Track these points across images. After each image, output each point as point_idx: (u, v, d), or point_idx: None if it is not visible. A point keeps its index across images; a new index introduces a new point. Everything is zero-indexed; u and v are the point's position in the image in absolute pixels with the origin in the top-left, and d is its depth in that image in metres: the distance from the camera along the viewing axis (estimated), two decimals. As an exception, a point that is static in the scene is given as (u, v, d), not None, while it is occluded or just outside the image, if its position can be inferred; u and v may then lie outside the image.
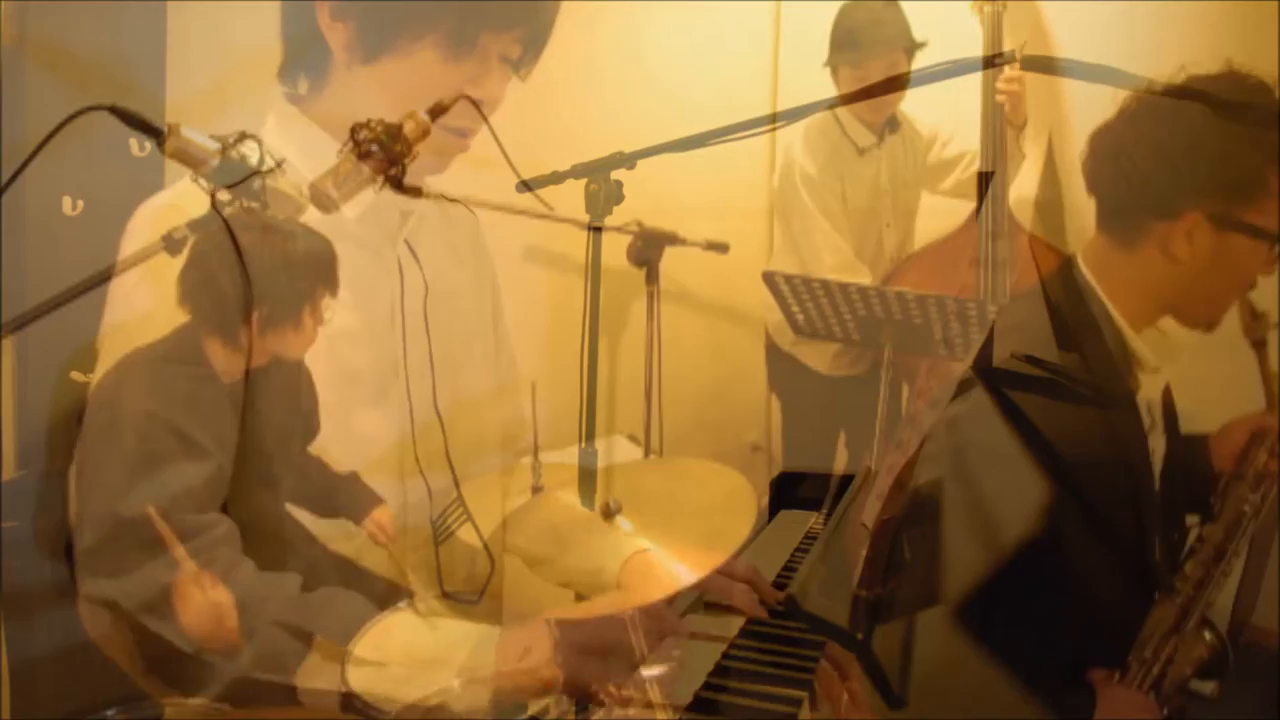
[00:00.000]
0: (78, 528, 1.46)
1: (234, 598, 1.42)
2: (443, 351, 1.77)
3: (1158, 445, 1.56)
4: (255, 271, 1.47)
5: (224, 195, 1.20)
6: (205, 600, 1.41)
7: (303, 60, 1.70)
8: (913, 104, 2.47)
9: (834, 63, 2.34)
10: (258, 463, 1.57)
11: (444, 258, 1.82)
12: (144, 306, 1.54)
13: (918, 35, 2.32)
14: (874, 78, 2.32)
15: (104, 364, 1.56)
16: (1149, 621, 1.47)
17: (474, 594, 1.58)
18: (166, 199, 1.59)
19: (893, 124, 2.46)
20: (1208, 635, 1.49)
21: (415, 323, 1.74)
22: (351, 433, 1.74)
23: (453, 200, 1.75)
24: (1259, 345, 1.54)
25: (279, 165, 1.23)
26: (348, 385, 1.72)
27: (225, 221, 1.20)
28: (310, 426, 1.70)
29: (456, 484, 1.68)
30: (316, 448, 1.73)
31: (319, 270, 1.58)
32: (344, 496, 1.75)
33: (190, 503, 1.46)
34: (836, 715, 1.28)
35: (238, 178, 1.19)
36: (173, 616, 1.41)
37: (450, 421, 1.74)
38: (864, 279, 2.40)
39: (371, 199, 1.63)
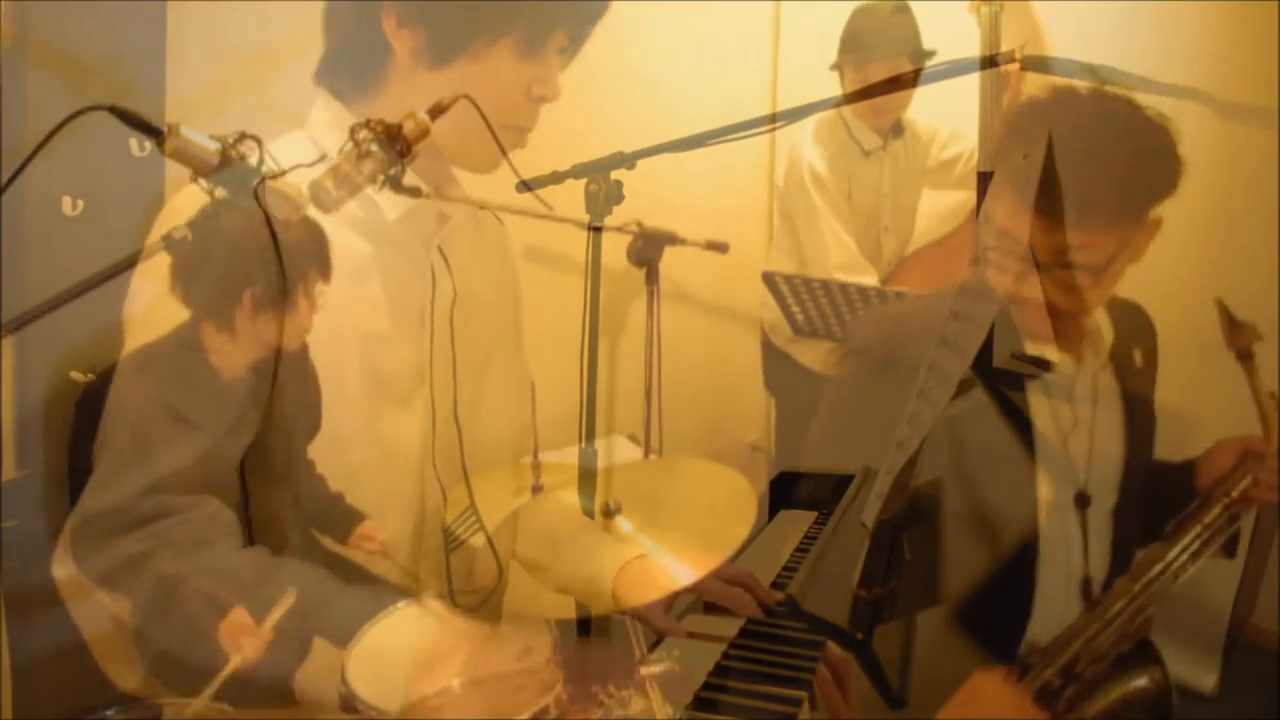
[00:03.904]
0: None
1: (173, 573, 1.41)
2: (466, 360, 1.77)
3: (1107, 445, 1.50)
4: (243, 254, 1.45)
5: (222, 195, 1.20)
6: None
7: (350, 59, 1.68)
8: (915, 104, 2.47)
9: (840, 64, 2.35)
10: (261, 458, 1.57)
11: (473, 265, 1.81)
12: (151, 300, 1.54)
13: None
14: (877, 80, 2.33)
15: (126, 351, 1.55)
16: (1065, 631, 1.41)
17: (476, 596, 1.58)
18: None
19: (897, 129, 2.47)
20: (1147, 678, 1.43)
21: (441, 329, 1.74)
22: (377, 436, 1.73)
23: (453, 201, 1.75)
24: (1244, 358, 1.45)
25: (322, 159, 1.23)
26: (377, 387, 1.72)
27: (264, 209, 1.19)
28: (314, 420, 1.69)
29: (470, 494, 1.68)
30: (326, 452, 1.72)
31: (310, 252, 1.56)
32: (331, 515, 1.74)
33: (178, 484, 1.45)
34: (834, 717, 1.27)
35: (238, 178, 1.19)
36: (119, 587, 1.42)
37: (468, 431, 1.74)
38: (869, 277, 2.41)
39: (411, 201, 1.64)
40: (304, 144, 1.62)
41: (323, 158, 1.24)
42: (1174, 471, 1.54)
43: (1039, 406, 1.46)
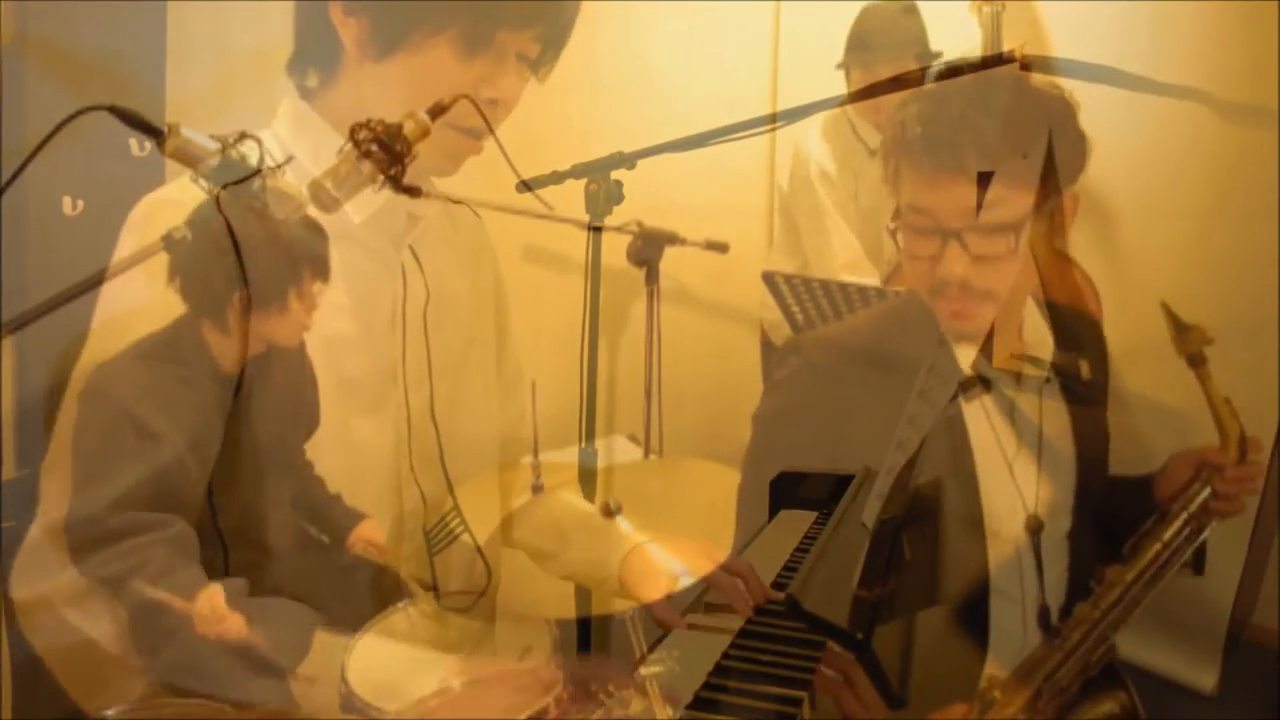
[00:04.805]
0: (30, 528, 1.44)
1: (156, 601, 1.40)
2: (441, 359, 1.76)
3: (1056, 466, 1.44)
4: (233, 254, 1.45)
5: (223, 196, 1.20)
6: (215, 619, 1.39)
7: (313, 54, 1.68)
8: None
9: (846, 63, 2.35)
10: (255, 458, 1.56)
11: (447, 263, 1.81)
12: (134, 302, 1.53)
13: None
14: (882, 80, 2.33)
15: (88, 359, 1.54)
16: (1024, 662, 1.37)
17: (469, 597, 1.58)
18: (168, 193, 1.58)
19: (902, 128, 2.46)
20: (1114, 703, 1.40)
21: (415, 329, 1.73)
22: (348, 440, 1.72)
23: (454, 201, 1.75)
24: (1195, 363, 1.38)
25: (288, 161, 1.24)
26: (345, 392, 1.71)
27: (224, 216, 1.20)
28: (312, 420, 1.69)
29: (452, 494, 1.68)
30: (313, 457, 1.71)
31: (305, 253, 1.56)
32: (330, 516, 1.74)
33: (140, 500, 1.44)
34: (843, 715, 1.26)
35: (237, 177, 1.19)
36: (93, 615, 1.41)
37: (447, 429, 1.73)
38: (873, 278, 2.40)
39: (379, 203, 1.63)
40: (269, 143, 1.62)
41: (290, 159, 1.24)
42: (1133, 486, 1.49)
43: (980, 430, 1.41)
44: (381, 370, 1.74)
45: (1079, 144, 1.36)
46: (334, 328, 1.67)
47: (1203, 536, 1.40)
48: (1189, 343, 1.38)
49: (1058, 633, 1.38)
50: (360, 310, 1.71)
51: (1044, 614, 1.42)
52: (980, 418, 1.41)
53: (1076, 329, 1.51)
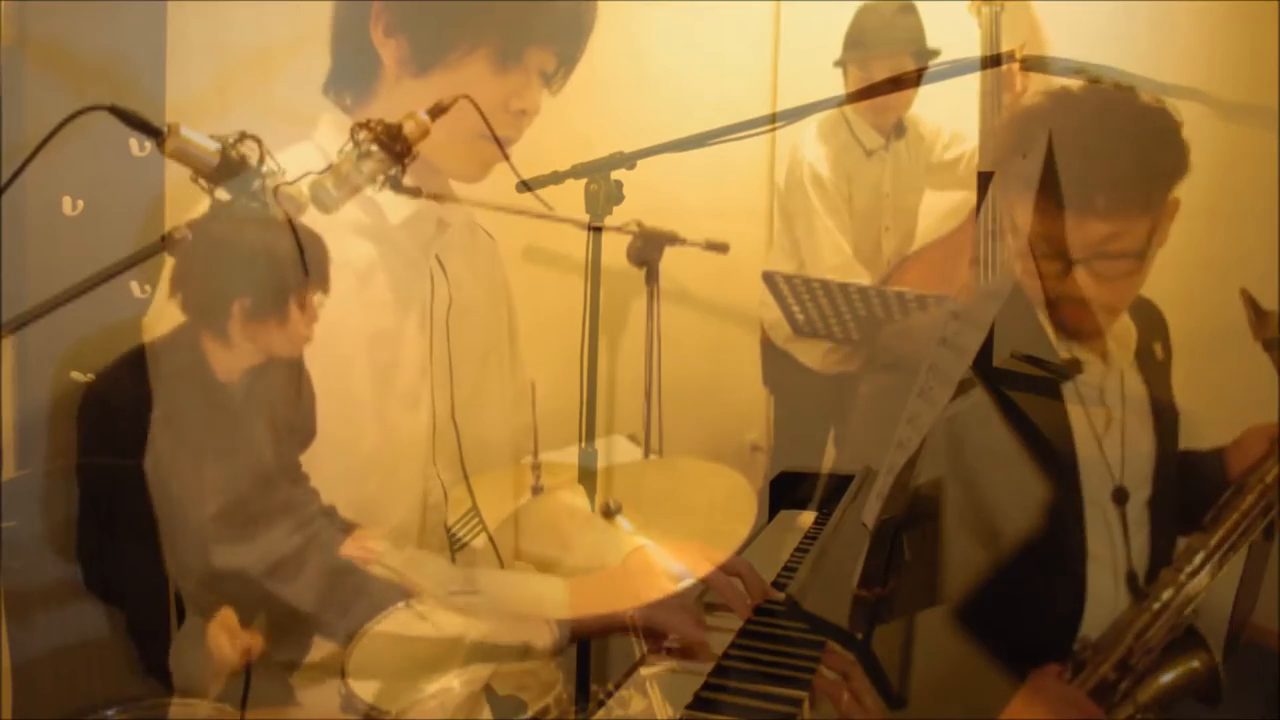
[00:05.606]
0: (191, 501, 1.49)
1: (339, 564, 1.52)
2: (462, 363, 1.80)
3: (1138, 439, 1.52)
4: (239, 263, 1.48)
5: (223, 195, 1.20)
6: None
7: (351, 72, 1.74)
8: (916, 105, 2.48)
9: (844, 61, 2.35)
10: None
11: (466, 272, 1.85)
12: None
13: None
14: (879, 79, 2.33)
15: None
16: (1114, 625, 1.43)
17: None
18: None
19: (899, 129, 2.47)
20: (1197, 661, 1.44)
21: (440, 333, 1.78)
22: (384, 431, 1.77)
23: (455, 202, 1.76)
24: (1271, 347, 1.46)
25: (329, 168, 1.27)
26: (384, 385, 1.75)
27: (289, 218, 1.22)
28: (308, 429, 1.70)
29: (472, 495, 1.70)
30: (332, 447, 1.73)
31: (310, 263, 1.56)
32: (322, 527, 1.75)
33: (291, 474, 1.57)
34: (842, 716, 1.27)
35: (246, 181, 1.20)
36: (290, 580, 1.51)
37: (465, 432, 1.77)
38: (863, 281, 2.40)
39: (414, 206, 1.70)
40: (312, 153, 1.66)
41: (330, 167, 1.28)
42: (1203, 460, 1.56)
43: (1074, 408, 1.49)
44: (417, 366, 1.79)
45: (1182, 154, 1.44)
46: (376, 323, 1.73)
47: (1275, 510, 1.46)
48: (1266, 328, 1.45)
49: (1145, 595, 1.44)
50: (401, 307, 1.76)
51: (1131, 579, 1.49)
52: (1074, 397, 1.49)
53: (1150, 316, 1.59)
